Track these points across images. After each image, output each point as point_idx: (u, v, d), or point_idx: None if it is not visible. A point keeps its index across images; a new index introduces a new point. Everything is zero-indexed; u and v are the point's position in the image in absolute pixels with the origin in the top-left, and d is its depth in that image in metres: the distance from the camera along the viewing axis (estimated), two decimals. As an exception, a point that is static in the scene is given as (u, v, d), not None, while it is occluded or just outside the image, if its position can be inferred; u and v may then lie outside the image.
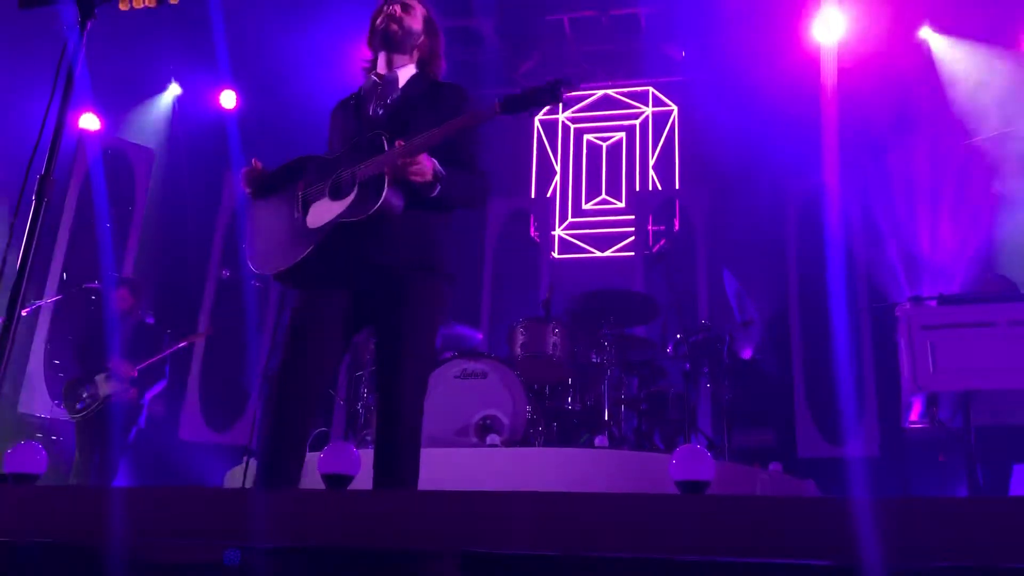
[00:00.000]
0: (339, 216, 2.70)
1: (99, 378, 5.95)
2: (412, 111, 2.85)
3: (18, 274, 2.35)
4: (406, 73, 3.02)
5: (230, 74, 7.83)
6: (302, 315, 2.79)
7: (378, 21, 3.02)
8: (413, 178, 2.63)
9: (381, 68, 3.04)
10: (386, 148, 2.70)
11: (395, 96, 2.97)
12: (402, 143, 2.66)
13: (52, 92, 2.53)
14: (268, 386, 2.76)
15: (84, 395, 5.96)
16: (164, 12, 2.75)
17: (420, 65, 3.06)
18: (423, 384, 2.75)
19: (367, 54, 3.12)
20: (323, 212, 2.77)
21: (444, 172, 2.70)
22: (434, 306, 2.81)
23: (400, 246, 2.76)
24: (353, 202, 2.69)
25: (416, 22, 3.02)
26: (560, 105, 9.30)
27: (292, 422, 2.70)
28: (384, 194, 2.63)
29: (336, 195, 2.76)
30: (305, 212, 2.82)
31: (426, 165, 2.64)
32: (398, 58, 3.03)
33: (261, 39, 7.84)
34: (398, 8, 2.99)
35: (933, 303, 4.33)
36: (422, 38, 3.04)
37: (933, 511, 1.55)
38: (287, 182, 2.95)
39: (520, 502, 1.66)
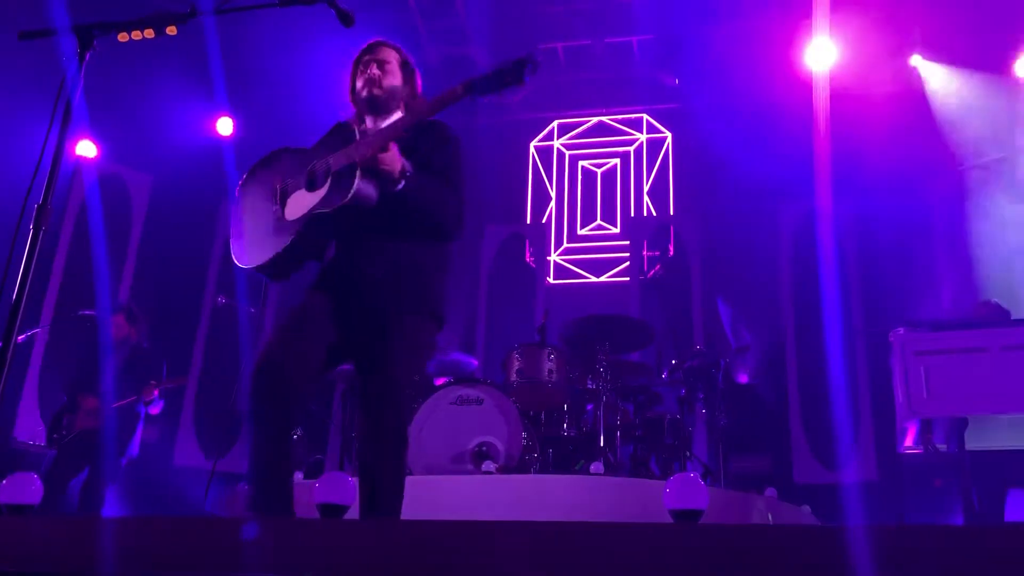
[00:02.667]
0: (314, 208, 2.72)
1: (83, 409, 5.88)
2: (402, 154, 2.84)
3: (14, 302, 2.36)
4: (392, 118, 3.02)
5: (227, 101, 7.88)
6: (290, 324, 2.80)
7: (359, 86, 3.02)
8: (381, 167, 2.65)
9: (369, 124, 3.04)
10: (357, 138, 2.75)
11: None
12: (373, 131, 2.71)
13: (51, 122, 2.55)
14: (249, 383, 2.75)
15: (63, 424, 5.90)
16: (161, 39, 2.76)
17: (405, 110, 3.05)
18: (402, 423, 2.76)
19: (352, 108, 3.11)
20: (300, 203, 2.79)
21: (412, 170, 2.73)
22: (417, 347, 2.82)
23: (388, 286, 2.78)
24: (327, 193, 2.72)
25: (395, 77, 3.02)
26: (555, 132, 9.37)
27: (274, 428, 2.71)
28: (356, 184, 2.65)
29: (312, 186, 2.79)
30: (283, 204, 2.84)
31: (395, 156, 2.67)
32: (384, 116, 3.03)
33: (258, 66, 7.90)
34: (375, 69, 2.99)
35: (926, 329, 4.35)
36: (403, 89, 3.04)
37: (928, 539, 1.56)
38: (266, 174, 2.97)
39: (514, 532, 1.66)
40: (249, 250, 2.88)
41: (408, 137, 2.88)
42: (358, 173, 2.66)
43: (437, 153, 2.92)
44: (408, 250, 2.85)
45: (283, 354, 2.73)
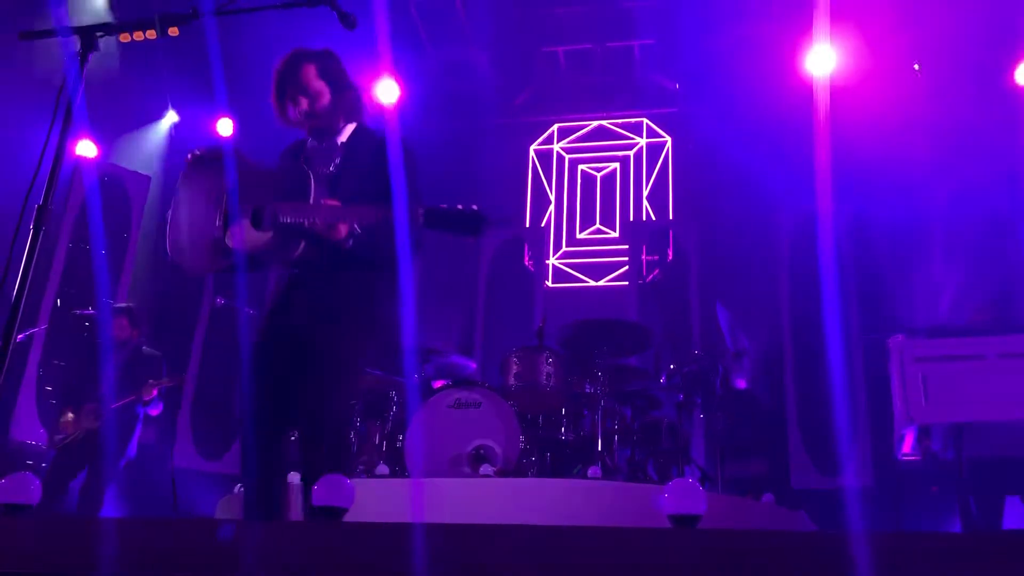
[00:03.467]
0: (255, 249, 2.79)
1: (84, 410, 5.87)
2: (356, 166, 2.91)
3: (14, 301, 2.36)
4: (345, 134, 3.05)
5: (227, 102, 7.87)
6: (256, 359, 2.87)
7: (294, 119, 3.01)
8: (328, 238, 2.71)
9: (321, 143, 3.05)
10: (311, 199, 2.75)
11: (340, 156, 2.99)
12: (328, 203, 2.72)
13: (52, 122, 2.56)
14: (241, 425, 2.83)
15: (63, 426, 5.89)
16: (162, 40, 2.77)
17: (354, 119, 3.07)
18: (334, 456, 2.78)
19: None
20: (242, 235, 2.83)
21: (359, 232, 2.75)
22: (353, 371, 2.88)
23: (335, 314, 2.80)
24: (271, 242, 2.77)
25: (324, 95, 2.99)
26: (555, 135, 9.39)
27: (267, 453, 2.78)
28: (299, 250, 2.76)
29: (256, 224, 2.81)
30: (225, 224, 2.86)
31: (341, 228, 2.70)
32: (332, 134, 3.05)
33: (259, 68, 7.89)
34: (305, 102, 2.98)
35: (925, 335, 4.35)
36: (334, 99, 3.00)
37: (925, 546, 1.56)
38: (210, 176, 2.95)
39: (512, 535, 1.66)
40: (184, 253, 2.94)
41: (364, 154, 2.93)
42: (303, 242, 2.75)
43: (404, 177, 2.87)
44: (356, 280, 2.86)
45: (261, 406, 2.80)
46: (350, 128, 3.05)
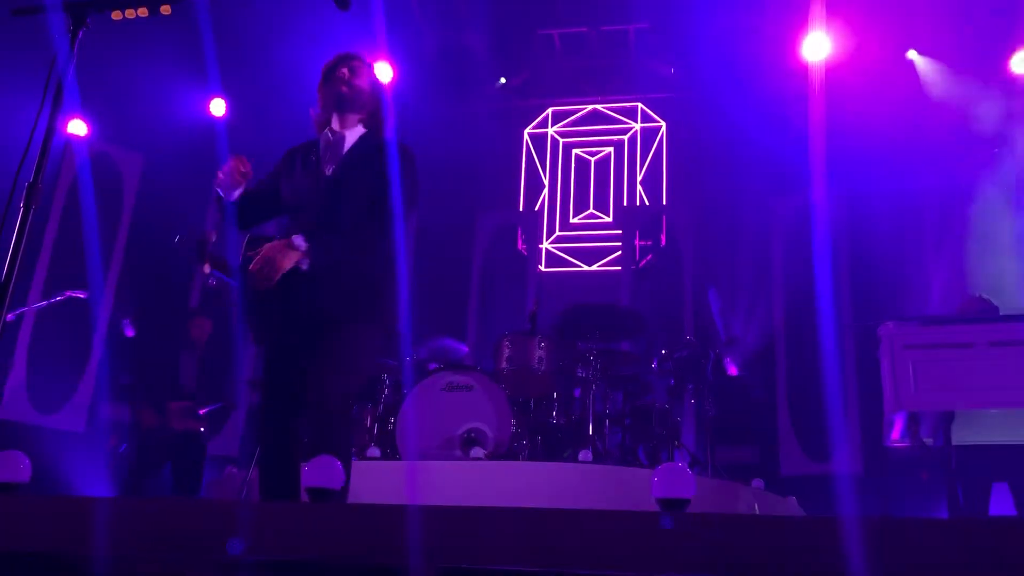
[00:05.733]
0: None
1: (171, 409, 6.01)
2: (354, 171, 3.04)
3: (4, 280, 2.35)
4: (354, 134, 3.17)
5: (219, 82, 7.83)
6: (267, 356, 3.02)
7: (328, 84, 3.17)
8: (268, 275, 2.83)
9: (335, 125, 3.19)
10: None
11: (341, 156, 3.12)
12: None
13: (42, 100, 2.53)
14: (257, 416, 2.98)
15: (148, 426, 5.98)
16: (155, 18, 2.74)
17: (368, 126, 3.21)
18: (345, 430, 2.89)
19: (322, 116, 3.25)
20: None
21: (304, 247, 2.85)
22: (359, 354, 2.94)
23: (328, 299, 2.90)
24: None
25: (363, 82, 3.17)
26: (549, 119, 9.36)
27: (281, 439, 2.88)
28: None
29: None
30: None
31: (277, 265, 2.81)
32: (349, 118, 3.18)
33: (252, 48, 7.84)
34: (346, 71, 3.15)
35: (915, 323, 4.36)
36: (369, 99, 3.20)
37: (912, 531, 1.57)
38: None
39: (501, 518, 1.67)
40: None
41: (364, 159, 3.07)
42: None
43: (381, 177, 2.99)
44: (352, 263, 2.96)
45: (276, 394, 2.92)
46: (358, 132, 3.17)
